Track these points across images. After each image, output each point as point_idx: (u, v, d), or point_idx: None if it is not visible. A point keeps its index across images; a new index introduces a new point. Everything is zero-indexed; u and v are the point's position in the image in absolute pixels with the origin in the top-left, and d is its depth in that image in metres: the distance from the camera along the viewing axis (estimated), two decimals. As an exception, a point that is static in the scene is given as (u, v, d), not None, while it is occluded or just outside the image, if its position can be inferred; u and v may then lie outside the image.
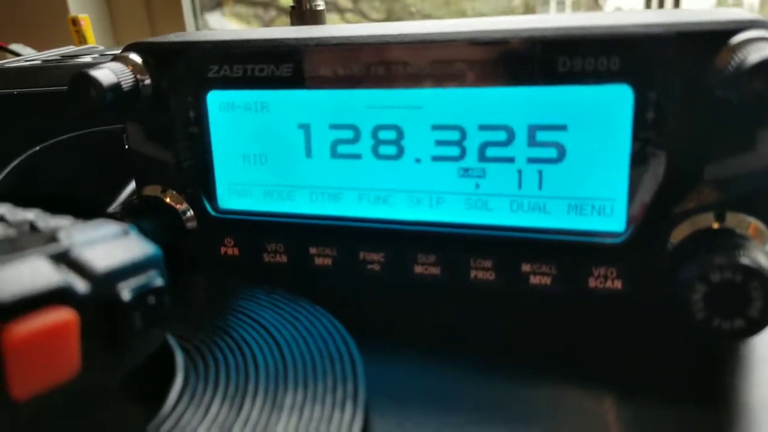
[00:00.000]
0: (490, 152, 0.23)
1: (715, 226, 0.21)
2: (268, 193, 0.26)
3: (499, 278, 0.23)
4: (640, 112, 0.21)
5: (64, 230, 0.15)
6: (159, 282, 0.16)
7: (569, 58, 0.21)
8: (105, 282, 0.15)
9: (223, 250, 0.27)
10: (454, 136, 0.23)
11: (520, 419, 0.18)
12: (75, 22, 0.69)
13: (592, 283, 0.22)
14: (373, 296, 0.25)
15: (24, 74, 0.37)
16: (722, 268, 0.19)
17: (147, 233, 0.25)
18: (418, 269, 0.24)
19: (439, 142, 0.23)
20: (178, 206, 0.27)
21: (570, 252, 0.22)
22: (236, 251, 0.27)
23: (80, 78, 0.24)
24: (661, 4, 1.32)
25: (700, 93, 0.20)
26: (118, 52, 0.43)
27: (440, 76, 0.22)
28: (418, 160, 0.24)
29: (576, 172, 0.22)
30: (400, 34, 0.23)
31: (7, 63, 0.41)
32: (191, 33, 0.27)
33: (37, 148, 0.30)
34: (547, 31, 0.21)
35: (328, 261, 0.25)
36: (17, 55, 0.61)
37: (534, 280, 0.23)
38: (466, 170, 0.23)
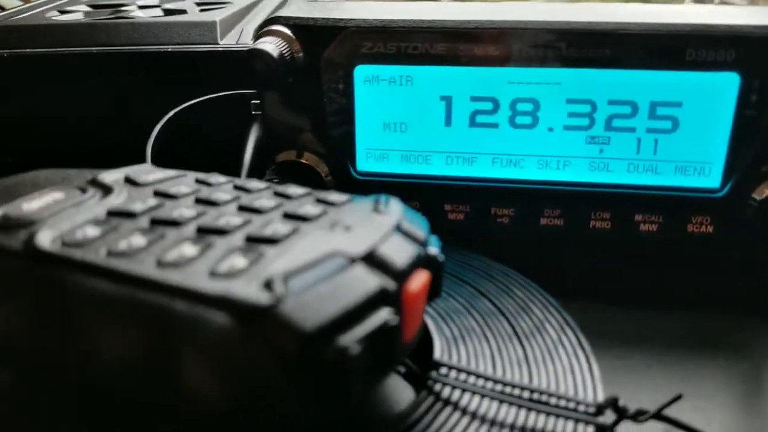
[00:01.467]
0: (616, 123, 0.27)
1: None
2: (406, 157, 0.29)
3: (615, 227, 0.28)
4: (744, 95, 0.26)
5: (382, 204, 0.19)
6: (439, 242, 0.20)
7: (695, 49, 0.25)
8: (425, 246, 0.18)
9: (358, 207, 0.30)
10: (586, 109, 0.27)
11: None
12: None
13: (690, 228, 0.28)
14: (497, 245, 0.29)
15: (82, 32, 0.37)
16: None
17: (304, 195, 0.28)
18: (543, 221, 0.29)
19: (572, 114, 0.27)
20: (318, 169, 0.30)
21: (674, 204, 0.28)
22: (372, 208, 0.30)
23: (256, 53, 0.26)
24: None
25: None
26: (151, 2, 0.43)
27: (580, 58, 0.26)
28: (550, 129, 0.28)
29: (685, 140, 0.27)
30: (549, 21, 0.26)
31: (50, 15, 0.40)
32: (336, 7, 0.29)
33: (171, 113, 0.31)
34: (684, 27, 0.25)
35: (460, 216, 0.29)
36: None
37: (643, 227, 0.28)
38: (592, 138, 0.28)
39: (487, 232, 0.29)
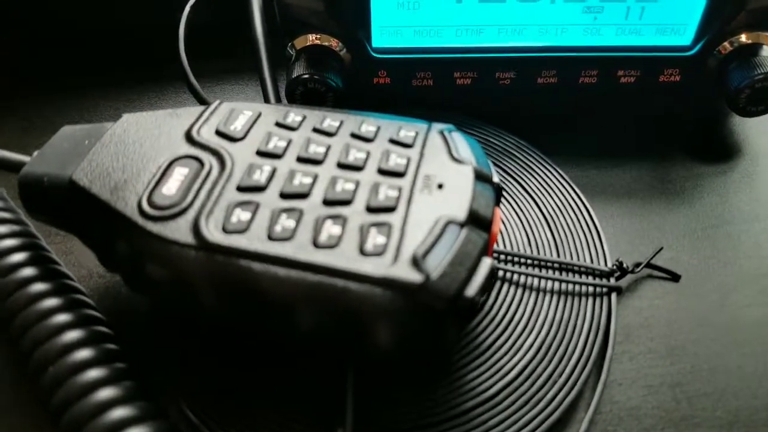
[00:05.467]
0: (610, -6, 0.30)
1: (744, 39, 0.31)
2: (418, 32, 0.32)
3: (600, 81, 0.33)
4: (723, -35, 0.29)
5: (453, 147, 0.23)
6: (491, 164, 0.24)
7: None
8: (492, 180, 0.23)
9: (375, 80, 0.33)
10: (585, -18, 0.30)
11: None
12: None
13: (662, 78, 0.33)
14: (497, 101, 0.34)
15: None
16: (763, 80, 0.30)
17: (333, 82, 0.31)
18: (540, 81, 0.33)
19: (572, -12, 0.30)
20: (336, 50, 0.32)
21: (651, 60, 0.32)
22: (388, 80, 0.33)
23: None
24: None
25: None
26: None
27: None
28: (552, 1, 0.30)
29: (667, 7, 0.31)
30: None
31: None
32: None
33: None
34: None
35: (467, 81, 0.33)
36: None
37: (623, 80, 0.33)
38: (589, 8, 0.31)
39: (490, 92, 0.33)
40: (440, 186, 0.21)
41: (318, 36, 0.31)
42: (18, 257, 0.23)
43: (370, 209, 0.20)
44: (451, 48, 0.32)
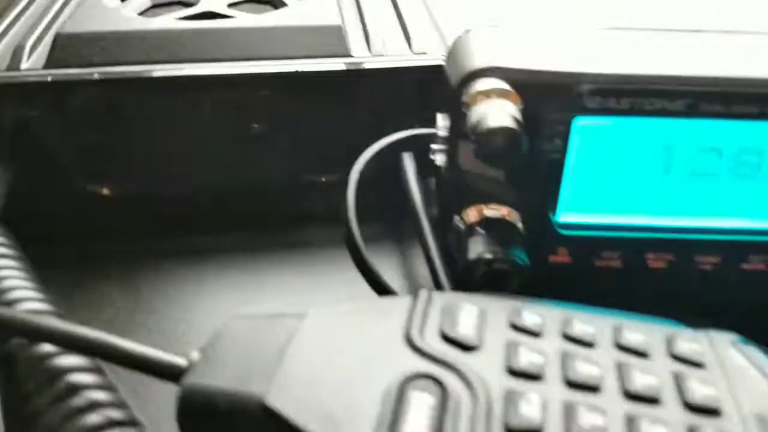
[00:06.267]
0: None
1: None
2: (612, 207, 0.27)
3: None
4: None
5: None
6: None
7: None
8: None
9: (552, 258, 0.28)
10: (812, 158, 0.26)
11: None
12: None
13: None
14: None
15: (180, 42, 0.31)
16: None
17: (521, 260, 0.26)
18: (746, 267, 0.28)
19: (796, 163, 0.26)
20: (513, 222, 0.27)
21: None
22: (567, 259, 0.28)
23: (497, 132, 0.22)
24: None
25: None
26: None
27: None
28: (771, 178, 0.26)
29: None
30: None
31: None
32: (548, 47, 0.25)
33: (376, 148, 0.26)
34: None
35: (662, 264, 0.28)
36: None
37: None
38: (816, 186, 0.26)
39: (686, 278, 0.28)
40: (785, 434, 0.15)
41: (492, 206, 0.27)
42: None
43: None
44: (649, 227, 0.27)
